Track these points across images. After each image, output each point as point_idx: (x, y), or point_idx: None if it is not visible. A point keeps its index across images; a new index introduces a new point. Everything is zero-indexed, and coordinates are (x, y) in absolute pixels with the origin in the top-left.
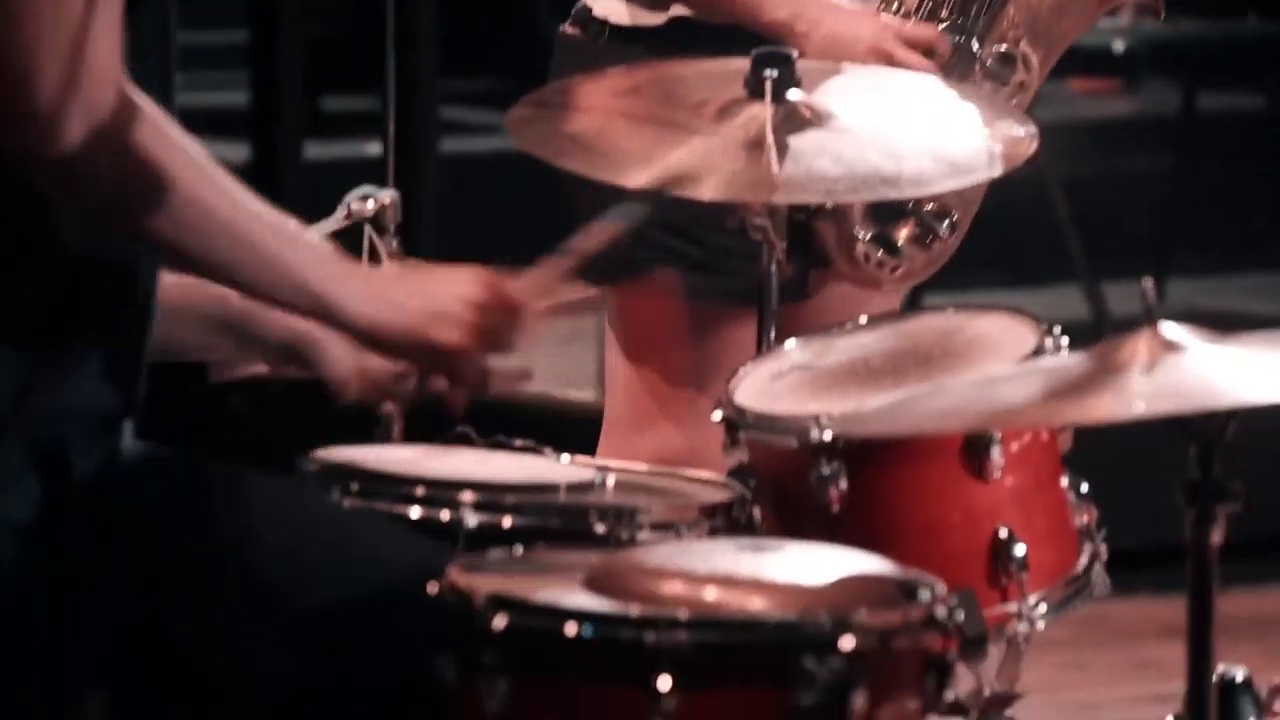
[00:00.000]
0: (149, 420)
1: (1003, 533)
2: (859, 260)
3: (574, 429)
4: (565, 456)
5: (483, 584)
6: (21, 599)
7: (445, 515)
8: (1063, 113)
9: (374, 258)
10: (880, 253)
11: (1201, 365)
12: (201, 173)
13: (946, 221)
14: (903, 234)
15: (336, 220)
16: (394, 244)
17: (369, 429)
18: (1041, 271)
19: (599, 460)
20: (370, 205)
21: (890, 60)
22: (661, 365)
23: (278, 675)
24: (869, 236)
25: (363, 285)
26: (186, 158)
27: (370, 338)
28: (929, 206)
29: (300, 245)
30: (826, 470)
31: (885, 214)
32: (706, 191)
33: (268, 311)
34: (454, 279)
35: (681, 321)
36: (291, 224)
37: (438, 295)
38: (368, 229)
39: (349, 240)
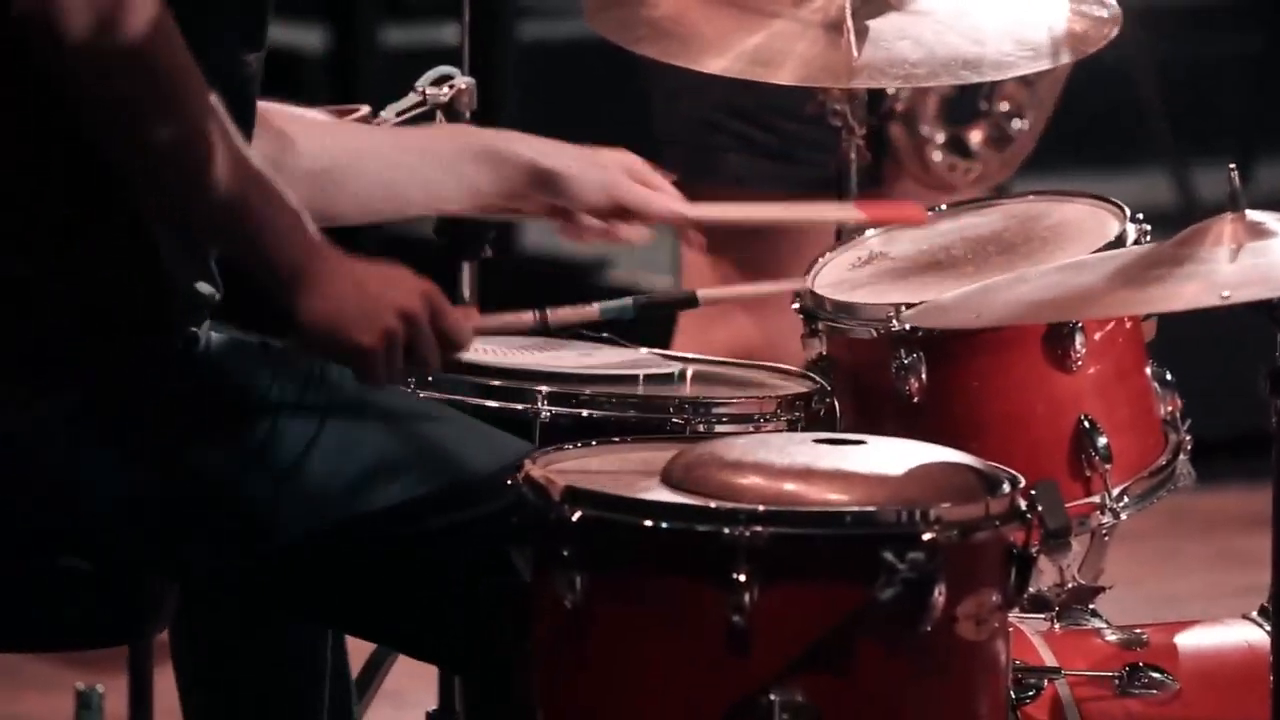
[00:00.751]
0: (229, 315)
1: (1085, 423)
2: (932, 165)
3: (653, 317)
4: (643, 349)
5: (560, 477)
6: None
7: (521, 407)
8: None
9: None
10: (953, 157)
11: None
12: (207, 109)
13: (1021, 122)
14: (976, 136)
15: (409, 103)
16: None
17: None
18: (1128, 156)
19: (676, 351)
20: (445, 90)
21: None
22: (735, 255)
23: (352, 564)
24: (942, 140)
25: (303, 256)
26: (197, 86)
27: (286, 300)
28: (1002, 107)
29: (272, 200)
30: (906, 360)
31: (958, 116)
32: (784, 76)
33: (517, 137)
34: (396, 280)
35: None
36: (271, 180)
37: (368, 292)
38: (439, 115)
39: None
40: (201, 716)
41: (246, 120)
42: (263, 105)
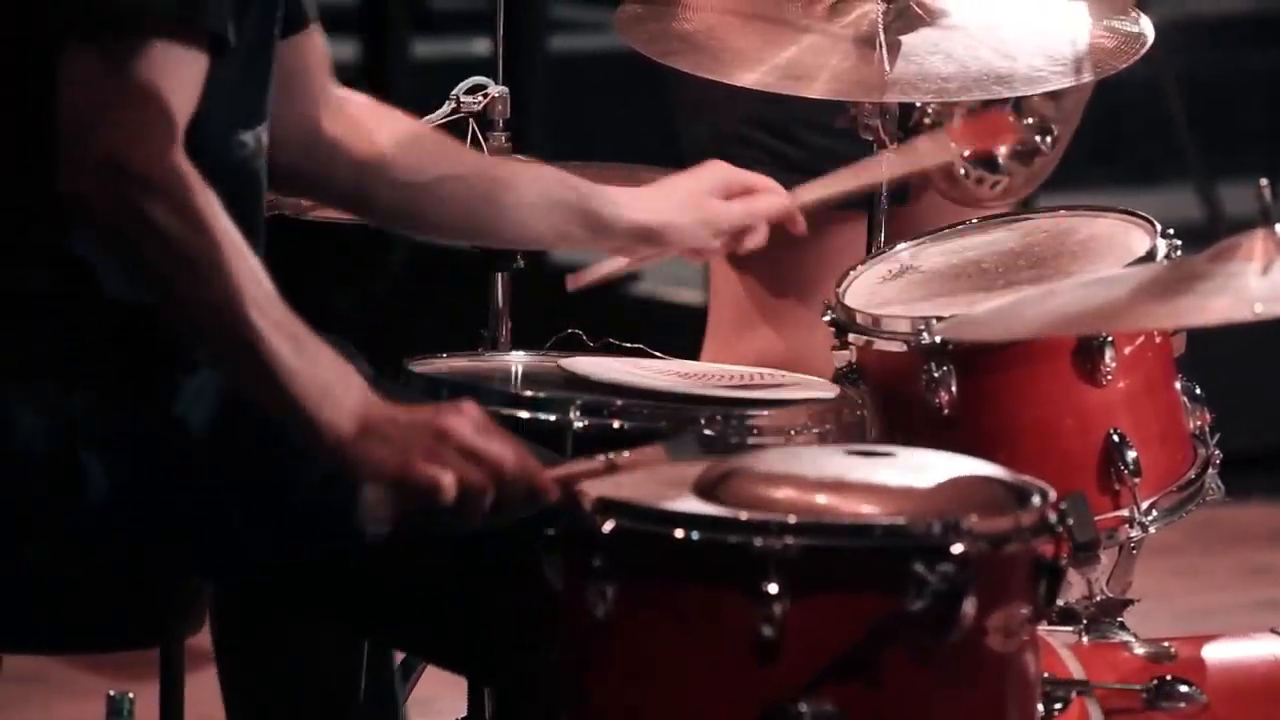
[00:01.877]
0: None
1: (1115, 437)
2: (958, 178)
3: (680, 330)
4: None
5: (591, 487)
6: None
7: (553, 418)
8: (1179, 9)
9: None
10: (979, 170)
11: None
12: (240, 266)
13: (1047, 136)
14: (1003, 150)
15: (444, 113)
16: (503, 139)
17: (478, 333)
18: (1155, 171)
19: (705, 363)
20: (479, 99)
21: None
22: (763, 269)
23: (380, 572)
24: (968, 153)
25: (346, 408)
26: (225, 245)
27: (339, 457)
28: (1028, 122)
29: (312, 364)
30: (937, 373)
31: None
32: (817, 90)
33: (616, 196)
34: (436, 412)
35: (782, 225)
36: (308, 340)
37: (419, 426)
38: (472, 123)
39: (457, 133)
40: (239, 707)
41: (247, 198)
42: (363, 100)
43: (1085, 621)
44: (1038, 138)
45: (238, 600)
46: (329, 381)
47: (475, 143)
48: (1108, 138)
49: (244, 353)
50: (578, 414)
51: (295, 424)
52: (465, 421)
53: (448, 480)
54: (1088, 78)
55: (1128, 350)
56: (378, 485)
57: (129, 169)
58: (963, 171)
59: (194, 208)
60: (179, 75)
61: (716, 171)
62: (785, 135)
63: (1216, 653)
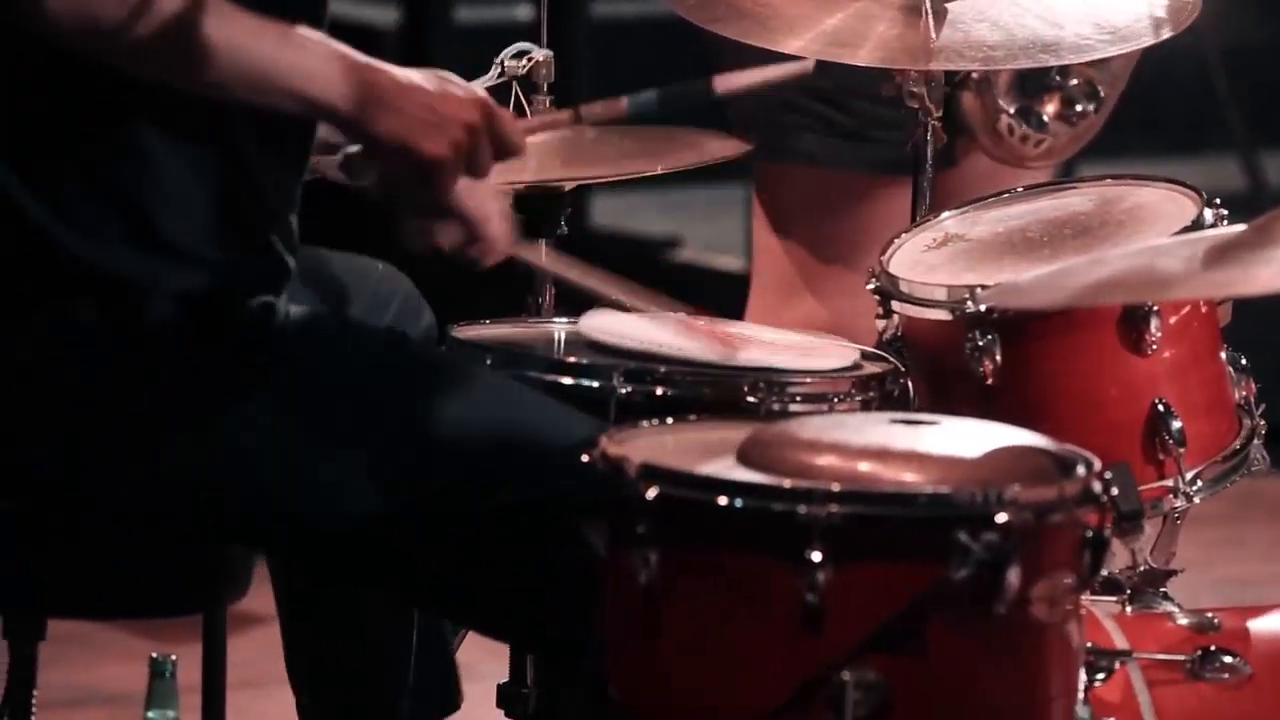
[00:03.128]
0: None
1: (1160, 407)
2: (1003, 135)
3: (723, 297)
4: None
5: (635, 454)
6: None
7: (596, 384)
8: None
9: (517, 115)
10: (1024, 128)
11: None
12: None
13: (1093, 98)
14: (1049, 109)
15: (491, 78)
16: (547, 102)
17: (521, 300)
18: (1198, 140)
19: (749, 329)
20: (524, 64)
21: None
22: (807, 235)
23: (427, 539)
24: (1014, 110)
25: (358, 85)
26: None
27: (357, 134)
28: (1075, 82)
29: (295, 48)
30: (981, 342)
31: (1031, 88)
32: (863, 57)
33: None
34: (454, 96)
35: (829, 191)
36: (289, 29)
37: (434, 107)
38: (516, 87)
39: (501, 98)
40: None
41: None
42: None
43: (1129, 591)
44: (1084, 98)
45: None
46: (310, 65)
47: (519, 107)
48: (1150, 107)
49: (221, 59)
50: (620, 380)
51: (292, 109)
52: (483, 115)
53: (449, 158)
54: (1137, 47)
55: (1173, 320)
56: (411, 209)
57: None
58: (1008, 129)
59: None
60: None
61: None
62: (834, 102)
63: (1262, 624)
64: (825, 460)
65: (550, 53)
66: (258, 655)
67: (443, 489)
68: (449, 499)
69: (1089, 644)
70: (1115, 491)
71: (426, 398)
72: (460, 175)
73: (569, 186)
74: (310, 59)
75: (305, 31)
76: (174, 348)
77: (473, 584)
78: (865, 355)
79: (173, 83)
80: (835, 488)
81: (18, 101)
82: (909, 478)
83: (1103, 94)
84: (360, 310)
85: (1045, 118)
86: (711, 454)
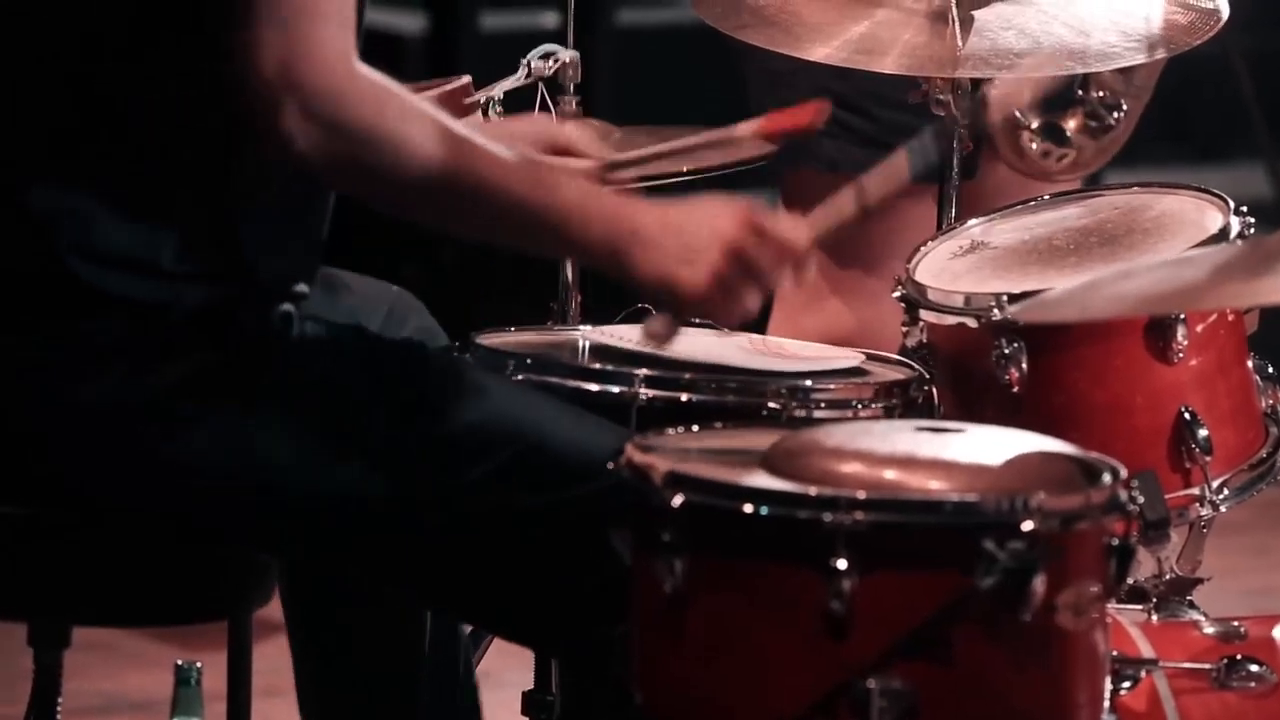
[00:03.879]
0: None
1: (1186, 415)
2: (1025, 149)
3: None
4: (743, 335)
5: (661, 462)
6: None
7: (618, 390)
8: None
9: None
10: (1046, 142)
11: None
12: (444, 144)
13: (1117, 111)
14: (1072, 123)
15: (517, 80)
16: (573, 104)
17: (547, 307)
18: (1224, 148)
19: (772, 338)
20: (550, 64)
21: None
22: (830, 243)
23: (452, 544)
24: (1037, 125)
25: (613, 226)
26: (424, 132)
27: (616, 273)
28: (1098, 95)
29: (547, 190)
30: (1007, 350)
31: (1054, 102)
32: (889, 65)
33: None
34: (711, 215)
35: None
36: (540, 166)
37: (689, 241)
38: (542, 88)
39: (527, 99)
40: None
41: None
42: None
43: (1155, 600)
44: (1108, 110)
45: (308, 574)
46: (566, 205)
47: (544, 108)
48: (1177, 115)
49: (478, 206)
50: (644, 388)
51: (551, 252)
52: (747, 232)
53: (710, 287)
54: (1163, 55)
55: (1200, 328)
56: (661, 307)
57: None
58: (1032, 142)
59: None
60: None
61: (538, 122)
62: (857, 109)
63: None
64: (851, 468)
65: (576, 54)
66: (283, 663)
67: (461, 492)
68: (474, 504)
69: (1115, 652)
70: (1141, 500)
71: (449, 403)
72: (738, 297)
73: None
74: (564, 200)
75: (558, 171)
76: (194, 357)
77: (497, 590)
78: (889, 362)
79: (428, 225)
80: (861, 495)
81: (44, 129)
82: (935, 485)
83: (1125, 107)
84: (376, 329)
85: (1068, 132)
86: (737, 461)
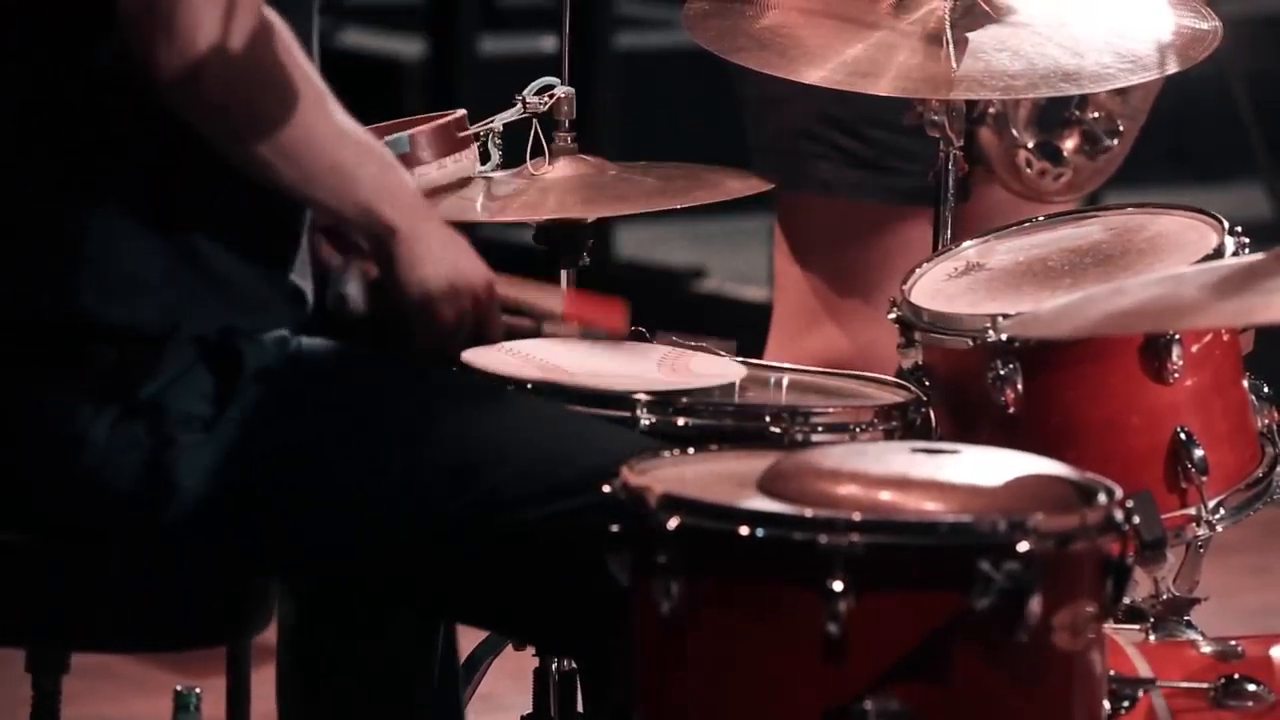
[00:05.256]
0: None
1: (1182, 435)
2: (1021, 170)
3: (746, 326)
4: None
5: (656, 484)
6: (200, 487)
7: (619, 414)
8: (1246, 6)
9: (537, 152)
10: (1042, 162)
11: None
12: (313, 99)
13: (1113, 132)
14: (1068, 144)
15: (513, 113)
16: (568, 139)
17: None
18: (1222, 169)
19: (771, 360)
20: (545, 99)
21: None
22: (825, 264)
23: (448, 565)
24: (1033, 145)
25: (414, 208)
26: (303, 83)
27: (381, 249)
28: (1095, 116)
29: (380, 165)
30: (1003, 371)
31: (1050, 123)
32: (883, 87)
33: None
34: (477, 270)
35: (847, 221)
36: (374, 144)
37: (462, 275)
38: (535, 124)
39: (525, 132)
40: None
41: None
42: None
43: (1152, 620)
44: (1104, 131)
45: (306, 601)
46: (389, 185)
47: (538, 144)
48: (1174, 135)
49: (310, 158)
50: (644, 411)
51: (351, 220)
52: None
53: (456, 326)
54: (1158, 75)
55: (1195, 348)
56: (361, 279)
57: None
58: (1028, 163)
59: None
60: None
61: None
62: (852, 132)
63: None
64: (846, 489)
65: (572, 90)
66: None
67: (459, 515)
68: (465, 525)
69: (1112, 672)
70: (1137, 520)
71: (449, 415)
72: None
73: (590, 219)
74: (390, 181)
75: (387, 153)
76: (193, 380)
77: (498, 604)
78: (886, 384)
79: (244, 168)
80: (856, 517)
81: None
82: (930, 507)
83: (1122, 127)
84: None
85: (1064, 152)
86: (733, 484)
